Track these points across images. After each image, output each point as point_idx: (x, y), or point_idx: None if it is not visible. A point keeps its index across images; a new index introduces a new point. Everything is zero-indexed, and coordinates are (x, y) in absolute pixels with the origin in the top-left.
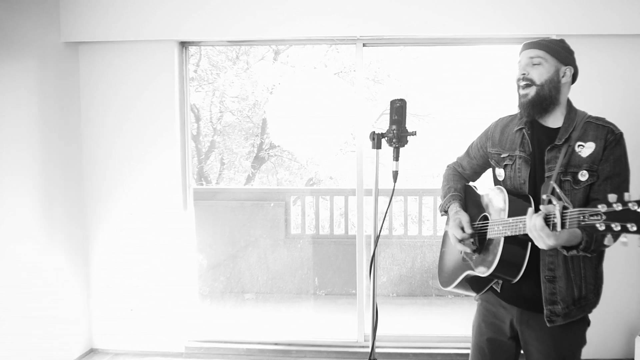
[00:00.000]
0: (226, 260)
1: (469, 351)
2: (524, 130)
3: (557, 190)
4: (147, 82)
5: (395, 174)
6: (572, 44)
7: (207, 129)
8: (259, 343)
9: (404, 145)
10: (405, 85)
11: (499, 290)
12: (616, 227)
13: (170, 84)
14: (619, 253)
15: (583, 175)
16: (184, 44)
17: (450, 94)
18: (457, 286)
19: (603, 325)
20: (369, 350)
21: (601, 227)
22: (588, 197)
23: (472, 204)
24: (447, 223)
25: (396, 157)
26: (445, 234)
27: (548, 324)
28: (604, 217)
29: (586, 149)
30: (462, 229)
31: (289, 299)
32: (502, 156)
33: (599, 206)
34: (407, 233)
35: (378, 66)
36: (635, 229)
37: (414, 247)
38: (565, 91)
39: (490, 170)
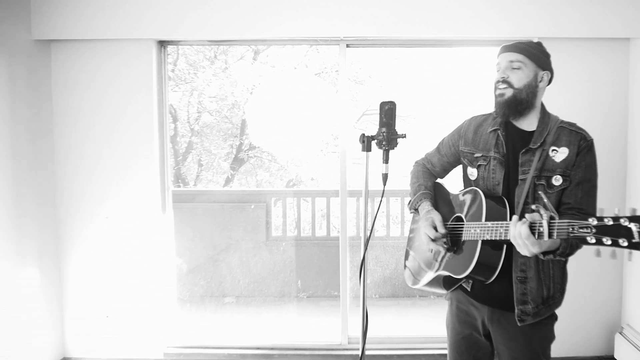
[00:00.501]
0: (206, 263)
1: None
2: (498, 131)
3: (545, 200)
4: (124, 82)
5: (384, 177)
6: (549, 47)
7: (185, 129)
8: (241, 348)
9: (393, 148)
10: (386, 86)
11: (469, 290)
12: (607, 241)
13: (148, 84)
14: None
15: (557, 180)
16: (162, 43)
17: (432, 95)
18: (427, 285)
19: (583, 322)
20: (355, 353)
21: (591, 240)
22: (560, 201)
23: (442, 202)
24: (413, 221)
25: (386, 160)
26: (413, 232)
27: (519, 323)
28: (594, 230)
29: (560, 154)
30: (435, 228)
31: (270, 302)
32: (475, 156)
33: (590, 219)
34: (390, 234)
35: (359, 67)
36: (626, 244)
37: (397, 248)
38: (541, 95)
39: (457, 167)
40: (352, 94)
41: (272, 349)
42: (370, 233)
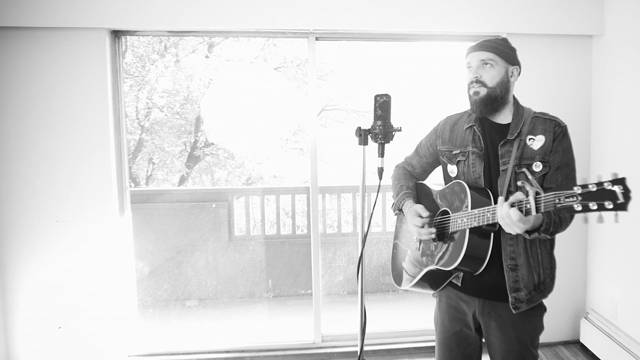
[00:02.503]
0: (169, 266)
1: (425, 344)
2: (474, 127)
3: (529, 177)
4: (76, 74)
5: (380, 171)
6: (516, 43)
7: (133, 126)
8: (209, 352)
9: (389, 142)
10: (349, 80)
11: (459, 284)
12: (593, 206)
13: (102, 77)
14: (562, 238)
15: (537, 167)
16: (116, 33)
17: (396, 90)
18: (415, 284)
19: (549, 309)
20: (329, 351)
21: (578, 207)
22: (542, 187)
23: (426, 200)
24: (397, 225)
25: (381, 154)
26: (398, 233)
27: (514, 311)
28: (579, 197)
29: (537, 142)
30: (420, 216)
31: (238, 303)
32: (453, 153)
33: (575, 188)
34: (356, 230)
35: (321, 61)
36: (612, 206)
37: (369, 243)
38: (512, 89)
39: (438, 168)
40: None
41: (242, 351)
42: (368, 229)
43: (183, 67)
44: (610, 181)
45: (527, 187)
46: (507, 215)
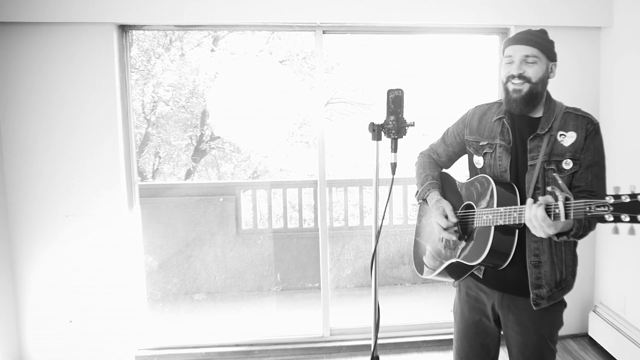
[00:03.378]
0: (178, 260)
1: (433, 338)
2: (504, 119)
3: (560, 181)
4: (83, 69)
5: (393, 166)
6: None
7: (139, 120)
8: (219, 346)
9: (402, 137)
10: (355, 73)
11: (481, 277)
12: (625, 217)
13: (109, 72)
14: None
15: (567, 164)
16: (124, 28)
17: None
18: (439, 274)
19: None
20: (337, 345)
21: (609, 217)
22: (570, 185)
23: (450, 191)
24: (420, 211)
25: (394, 149)
26: (421, 223)
27: (534, 307)
28: (611, 208)
29: (568, 138)
30: (446, 217)
31: (247, 297)
32: (480, 144)
33: (607, 197)
34: (363, 224)
35: (327, 54)
36: None
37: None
38: (548, 84)
39: (462, 157)
40: (317, 81)
41: (251, 345)
42: (381, 224)
43: (188, 61)
44: None
45: (557, 192)
46: (534, 218)
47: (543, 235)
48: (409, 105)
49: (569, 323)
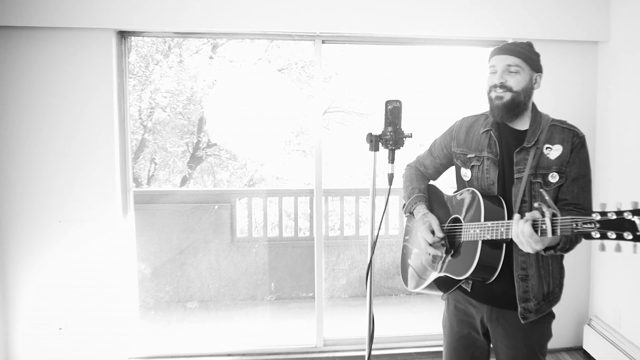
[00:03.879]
0: (172, 268)
1: (427, 349)
2: (491, 132)
3: (547, 197)
4: (81, 74)
5: (390, 177)
6: None
7: (135, 125)
8: (211, 355)
9: (399, 148)
10: (353, 83)
11: (469, 290)
12: (612, 235)
13: (107, 77)
14: None
15: (553, 177)
16: (123, 34)
17: (401, 93)
18: (426, 287)
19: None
20: (331, 355)
21: (596, 234)
22: (557, 198)
23: (437, 204)
24: (407, 224)
25: (391, 160)
26: (408, 236)
27: (522, 321)
28: (598, 225)
29: (554, 152)
30: (433, 232)
31: (240, 306)
32: (468, 156)
33: (593, 214)
34: (359, 234)
35: (325, 63)
36: (631, 237)
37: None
38: (533, 96)
39: (449, 169)
40: (315, 90)
41: (244, 355)
42: (377, 234)
43: (187, 68)
44: (630, 211)
45: (544, 208)
46: (522, 234)
47: (530, 251)
48: (406, 116)
49: (564, 336)
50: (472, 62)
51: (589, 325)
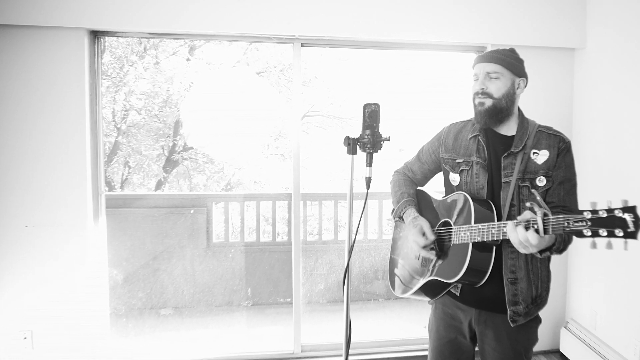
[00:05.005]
0: (145, 274)
1: (406, 354)
2: (479, 137)
3: (538, 197)
4: (52, 74)
5: (368, 180)
6: None
7: (109, 128)
8: None
9: (377, 151)
10: (332, 87)
11: (458, 294)
12: (603, 232)
13: (79, 78)
14: None
15: (541, 181)
16: (95, 34)
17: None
18: (415, 292)
19: None
20: None
21: (587, 232)
22: (544, 201)
23: (426, 209)
24: (396, 229)
25: (369, 163)
26: (398, 240)
27: (512, 324)
28: (589, 223)
29: (541, 156)
30: (424, 235)
31: (216, 312)
32: (457, 161)
33: (584, 213)
34: (338, 238)
35: (305, 67)
36: (622, 234)
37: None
38: (518, 101)
39: (436, 175)
40: (293, 93)
41: None
42: (355, 238)
43: (163, 70)
44: (621, 209)
45: (536, 208)
46: (525, 240)
47: (526, 252)
48: (385, 120)
49: (541, 339)
50: (452, 67)
51: (565, 328)
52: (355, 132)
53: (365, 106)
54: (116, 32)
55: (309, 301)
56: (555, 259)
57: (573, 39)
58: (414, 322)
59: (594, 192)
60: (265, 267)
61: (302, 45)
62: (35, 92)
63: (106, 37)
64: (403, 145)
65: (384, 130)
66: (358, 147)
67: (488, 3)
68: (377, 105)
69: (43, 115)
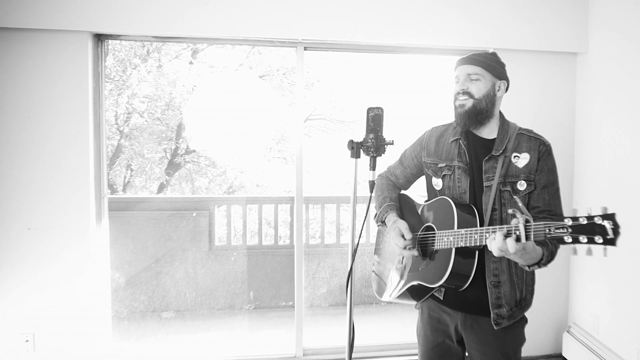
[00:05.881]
0: (147, 277)
1: (407, 358)
2: (460, 140)
3: (520, 204)
4: (55, 77)
5: (371, 184)
6: (503, 57)
7: (112, 131)
8: None
9: (381, 155)
10: (335, 90)
11: (441, 298)
12: (583, 239)
13: (82, 81)
14: None
15: (522, 185)
16: (99, 37)
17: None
18: (397, 297)
19: (532, 323)
20: None
21: (568, 239)
22: (528, 205)
23: (409, 213)
24: (379, 233)
25: (373, 167)
26: (380, 245)
27: (495, 327)
28: (570, 230)
29: (522, 160)
30: (403, 236)
31: (218, 315)
32: (439, 166)
33: (565, 220)
34: (340, 242)
35: (307, 70)
36: (601, 241)
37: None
38: (499, 104)
39: (420, 178)
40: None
41: None
42: (358, 242)
43: (166, 73)
44: (600, 216)
45: (518, 215)
46: (504, 249)
47: (506, 256)
48: (388, 124)
49: (543, 344)
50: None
51: (568, 332)
52: (358, 135)
53: (369, 110)
54: (119, 35)
55: (311, 305)
56: (557, 264)
57: (575, 43)
58: (415, 326)
59: (596, 197)
60: (267, 270)
61: (305, 49)
62: (39, 95)
63: (109, 41)
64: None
65: (387, 133)
66: (362, 151)
67: (490, 8)
68: (380, 109)
69: (46, 117)
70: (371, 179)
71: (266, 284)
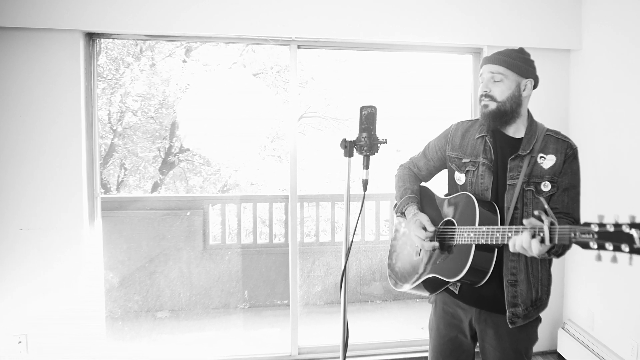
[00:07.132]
0: (141, 276)
1: (403, 356)
2: (486, 137)
3: (546, 206)
4: (47, 76)
5: (365, 183)
6: None
7: (105, 130)
8: None
9: (374, 154)
10: (329, 88)
11: (456, 292)
12: (609, 246)
13: (74, 80)
14: None
15: (546, 186)
16: (91, 36)
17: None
18: (414, 288)
19: None
20: None
21: (594, 245)
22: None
23: (429, 206)
24: (398, 224)
25: (366, 166)
26: (399, 236)
27: (510, 326)
28: (596, 236)
29: (548, 161)
30: (424, 228)
31: (212, 315)
32: (463, 161)
33: (591, 225)
34: (335, 240)
35: (301, 68)
36: (628, 249)
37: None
38: (526, 103)
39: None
40: (290, 95)
41: None
42: (352, 239)
43: (159, 71)
44: (628, 224)
45: (543, 217)
46: (528, 247)
47: (530, 255)
48: (382, 122)
49: (539, 340)
50: (449, 68)
51: (563, 329)
52: (352, 133)
53: (362, 108)
54: (112, 34)
55: (306, 303)
56: (554, 260)
57: (569, 40)
58: (411, 323)
59: (592, 195)
60: (262, 269)
61: (299, 47)
62: (30, 94)
63: (102, 39)
64: (400, 146)
65: (381, 131)
66: (355, 149)
67: (484, 5)
68: (374, 108)
69: (37, 117)
70: (365, 178)
71: (261, 282)
